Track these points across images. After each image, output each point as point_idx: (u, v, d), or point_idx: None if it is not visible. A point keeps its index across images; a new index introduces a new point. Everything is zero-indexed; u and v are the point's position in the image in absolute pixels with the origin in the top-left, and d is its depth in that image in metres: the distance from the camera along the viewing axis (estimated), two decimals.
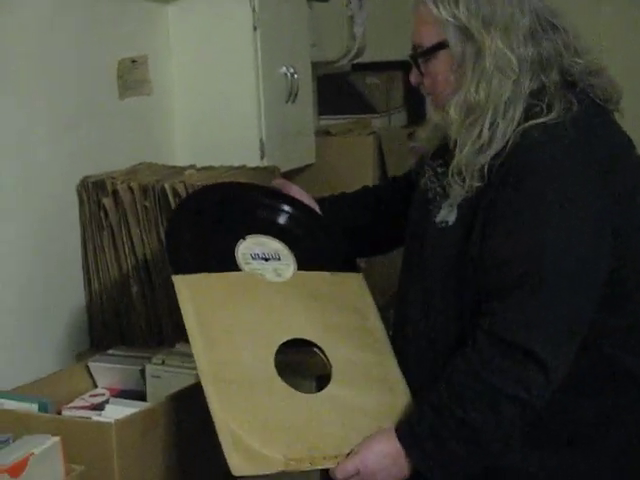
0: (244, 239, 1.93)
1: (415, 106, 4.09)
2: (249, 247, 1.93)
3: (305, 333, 1.82)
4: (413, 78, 1.84)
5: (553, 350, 1.63)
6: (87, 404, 2.04)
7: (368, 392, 1.80)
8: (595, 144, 1.70)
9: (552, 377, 1.63)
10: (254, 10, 2.73)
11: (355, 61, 3.80)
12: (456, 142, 1.75)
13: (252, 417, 1.66)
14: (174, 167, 2.53)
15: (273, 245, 1.95)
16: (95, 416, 1.90)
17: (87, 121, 2.41)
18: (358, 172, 3.16)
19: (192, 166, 2.52)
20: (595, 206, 1.65)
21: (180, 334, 2.26)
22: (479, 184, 1.71)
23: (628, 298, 1.75)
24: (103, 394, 2.09)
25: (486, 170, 1.70)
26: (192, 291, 1.78)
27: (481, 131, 1.71)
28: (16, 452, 1.60)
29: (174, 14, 2.76)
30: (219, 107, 2.76)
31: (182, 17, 2.77)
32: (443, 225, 1.79)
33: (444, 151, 1.85)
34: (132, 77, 2.57)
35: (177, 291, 1.78)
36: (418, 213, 1.89)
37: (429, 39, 1.76)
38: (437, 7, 1.73)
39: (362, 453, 1.68)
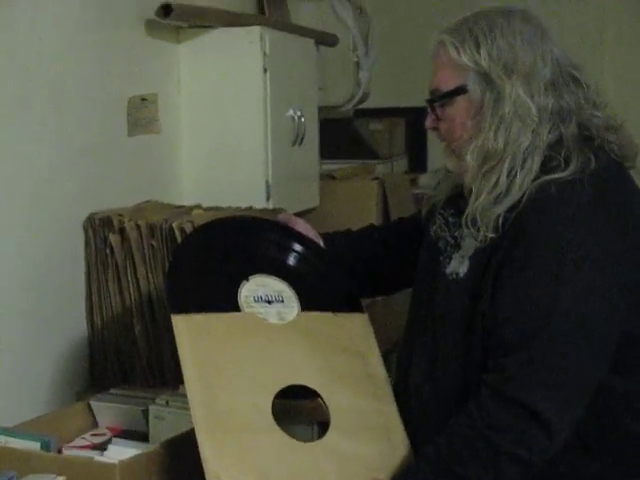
0: (247, 280, 1.89)
1: (417, 153, 4.11)
2: (252, 289, 1.89)
3: (305, 379, 1.79)
4: (429, 122, 1.81)
5: (558, 411, 1.59)
6: (88, 443, 2.01)
7: (366, 442, 1.77)
8: (612, 204, 1.68)
9: (555, 438, 1.59)
10: (265, 53, 2.74)
11: (359, 106, 3.82)
12: (471, 190, 1.73)
13: (246, 468, 1.63)
14: (181, 207, 2.52)
15: (277, 286, 1.92)
16: (97, 456, 1.87)
17: (95, 157, 2.40)
18: (361, 217, 3.15)
19: (198, 206, 2.51)
20: (610, 267, 1.62)
21: (180, 376, 2.25)
22: (493, 235, 1.68)
23: (638, 361, 1.72)
24: (104, 434, 2.06)
25: (500, 222, 1.67)
26: (191, 332, 1.75)
27: (498, 179, 1.68)
28: None
29: (185, 53, 2.77)
30: (226, 148, 2.77)
31: (193, 57, 2.77)
32: (454, 277, 1.76)
33: (456, 200, 1.84)
34: (141, 115, 2.57)
35: (175, 331, 1.75)
36: (427, 262, 1.87)
37: (448, 83, 1.74)
38: (457, 52, 1.72)
39: None
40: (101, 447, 1.96)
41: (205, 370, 1.71)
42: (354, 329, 1.93)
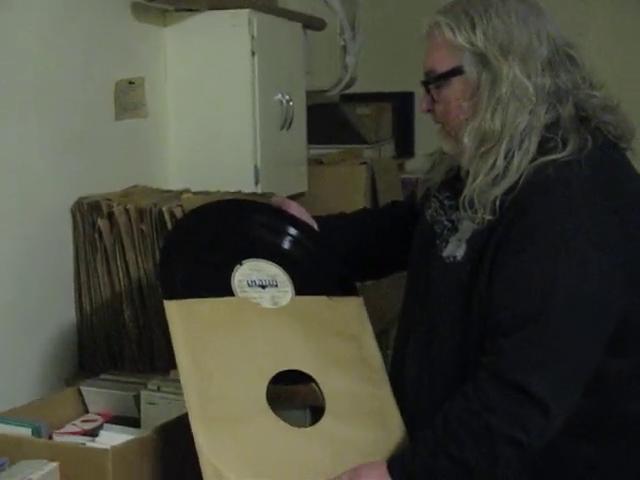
0: (241, 264, 1.87)
1: (404, 138, 4.10)
2: (246, 274, 1.86)
3: (299, 364, 1.77)
4: (425, 105, 1.78)
5: (556, 393, 1.58)
6: (79, 430, 1.99)
7: (361, 427, 1.75)
8: (609, 184, 1.66)
9: (552, 420, 1.58)
10: (253, 36, 2.72)
11: (346, 91, 3.80)
12: (468, 172, 1.71)
13: (239, 454, 1.61)
14: (169, 191, 2.50)
15: (271, 270, 1.89)
16: (89, 442, 1.85)
17: (83, 141, 2.38)
18: (350, 202, 3.13)
19: (187, 190, 2.49)
20: (608, 248, 1.61)
21: (173, 361, 2.23)
22: (490, 217, 1.66)
23: (637, 342, 1.69)
24: (95, 420, 2.04)
25: (498, 204, 1.66)
26: (183, 317, 1.72)
27: (495, 161, 1.66)
28: (14, 477, 1.56)
29: (171, 37, 2.75)
30: (214, 132, 2.74)
31: (179, 40, 2.75)
32: (451, 260, 1.74)
33: (452, 183, 1.82)
34: (129, 99, 2.55)
35: (168, 317, 1.72)
36: (423, 246, 1.85)
37: (443, 65, 1.72)
38: (453, 32, 1.69)
39: (349, 474, 1.64)
40: (92, 433, 1.94)
41: (198, 356, 1.68)
42: (349, 312, 1.92)
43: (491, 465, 1.59)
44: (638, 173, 1.76)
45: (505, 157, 1.66)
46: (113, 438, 1.83)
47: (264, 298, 1.83)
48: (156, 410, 2.00)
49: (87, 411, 2.11)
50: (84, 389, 2.10)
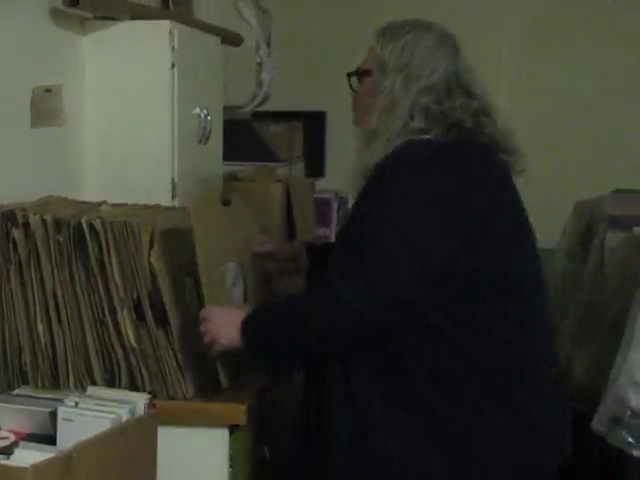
0: None
1: (314, 157, 4.10)
2: None
3: None
4: (351, 90, 2.16)
5: (382, 272, 1.91)
6: None
7: None
8: (453, 160, 1.99)
9: (377, 291, 1.90)
10: (173, 48, 2.68)
11: (259, 108, 3.78)
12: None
13: None
14: (86, 202, 2.43)
15: None
16: (3, 460, 1.77)
17: None
18: (265, 218, 3.11)
19: (104, 202, 2.42)
20: (438, 205, 1.94)
21: (87, 378, 2.17)
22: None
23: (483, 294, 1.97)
24: (7, 437, 1.95)
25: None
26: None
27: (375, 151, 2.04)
28: None
29: (90, 46, 2.68)
30: (132, 143, 2.69)
31: (98, 49, 2.69)
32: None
33: None
34: (45, 106, 2.47)
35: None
36: None
37: (364, 64, 2.14)
38: (378, 41, 2.10)
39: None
40: (6, 451, 1.86)
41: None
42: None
43: (318, 318, 1.97)
44: (496, 165, 2.06)
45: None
46: (30, 456, 1.75)
47: None
48: (74, 427, 1.93)
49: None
50: None
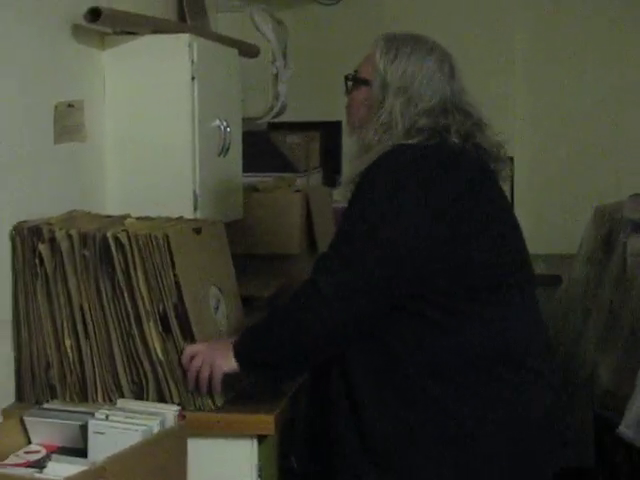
0: None
1: (331, 167, 4.11)
2: None
3: None
4: (346, 92, 2.22)
5: (338, 293, 1.98)
6: (23, 461, 1.92)
7: None
8: (434, 162, 2.05)
9: (326, 295, 1.98)
10: (193, 61, 2.69)
11: (276, 119, 3.79)
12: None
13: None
14: (110, 216, 2.44)
15: None
16: (36, 474, 1.78)
17: (22, 165, 2.31)
18: (285, 229, 3.13)
19: (128, 215, 2.43)
20: (408, 202, 2.00)
21: (117, 392, 2.18)
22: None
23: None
24: (39, 451, 1.97)
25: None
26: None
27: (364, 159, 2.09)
28: None
29: (109, 61, 2.70)
30: (153, 157, 2.70)
31: (117, 64, 2.70)
32: None
33: None
34: (68, 122, 2.49)
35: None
36: None
37: (363, 72, 2.19)
38: (380, 55, 2.14)
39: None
40: (38, 465, 1.87)
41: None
42: None
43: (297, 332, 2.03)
44: (472, 167, 2.11)
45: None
46: (63, 469, 1.77)
47: None
48: (104, 440, 1.94)
49: (29, 442, 2.03)
50: (27, 419, 2.03)
